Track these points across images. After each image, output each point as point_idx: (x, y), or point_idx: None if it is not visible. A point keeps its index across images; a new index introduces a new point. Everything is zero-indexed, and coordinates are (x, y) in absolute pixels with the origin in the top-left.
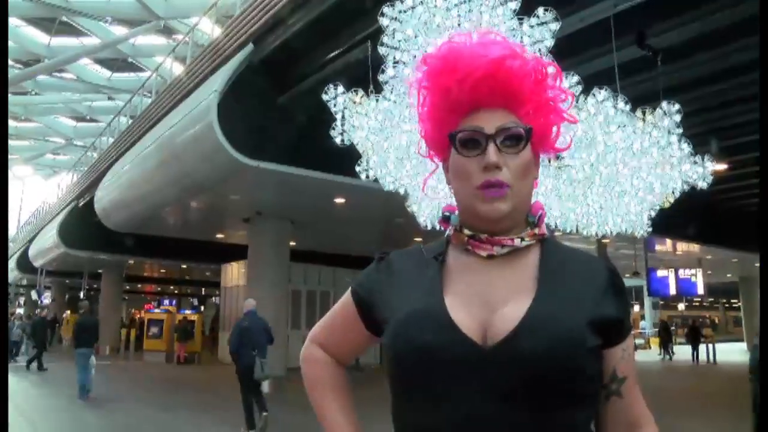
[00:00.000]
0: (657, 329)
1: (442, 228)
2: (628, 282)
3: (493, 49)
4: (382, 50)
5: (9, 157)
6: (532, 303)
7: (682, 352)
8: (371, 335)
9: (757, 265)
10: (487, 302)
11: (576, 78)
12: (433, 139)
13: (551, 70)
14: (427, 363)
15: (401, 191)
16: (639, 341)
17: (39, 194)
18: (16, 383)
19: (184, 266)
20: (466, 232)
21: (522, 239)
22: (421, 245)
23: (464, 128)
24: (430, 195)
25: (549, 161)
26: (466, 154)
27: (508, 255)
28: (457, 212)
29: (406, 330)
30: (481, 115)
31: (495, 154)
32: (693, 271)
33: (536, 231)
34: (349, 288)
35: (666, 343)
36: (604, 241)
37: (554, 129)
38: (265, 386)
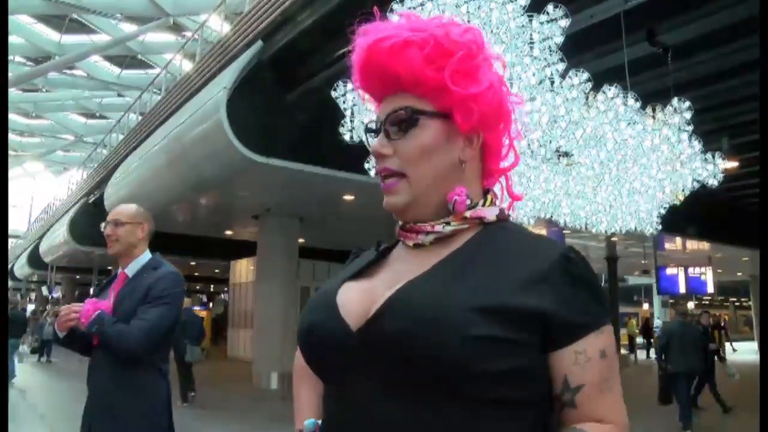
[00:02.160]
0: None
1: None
2: (637, 280)
3: (376, 33)
4: None
5: (20, 154)
6: (404, 284)
7: None
8: None
9: None
10: (383, 288)
11: (586, 75)
12: None
13: (456, 39)
14: (309, 346)
15: None
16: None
17: (50, 191)
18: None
19: (193, 263)
20: (400, 223)
21: (447, 224)
22: (378, 241)
23: (371, 119)
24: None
25: (558, 159)
26: (370, 146)
27: (438, 243)
28: None
29: (303, 313)
30: (383, 103)
31: (379, 142)
32: (703, 269)
33: (467, 215)
34: None
35: None
36: (613, 239)
37: (473, 108)
38: (274, 381)
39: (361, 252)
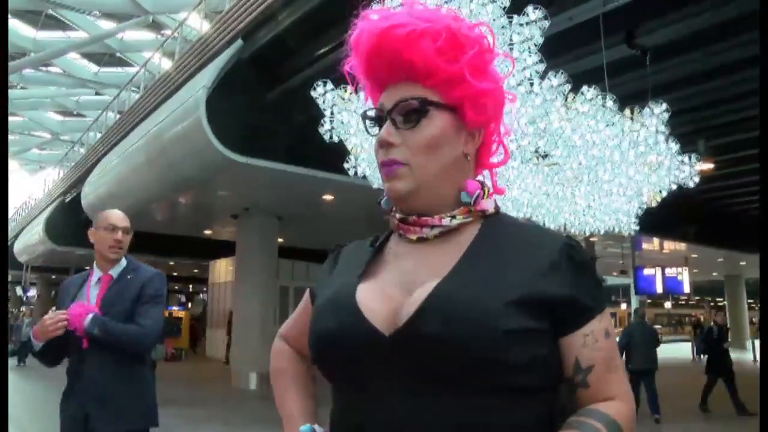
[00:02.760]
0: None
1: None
2: (615, 280)
3: (384, 21)
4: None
5: None
6: (439, 283)
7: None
8: None
9: (743, 263)
10: (403, 287)
11: (564, 76)
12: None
13: (473, 33)
14: (332, 352)
15: None
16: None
17: (25, 189)
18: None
19: (172, 263)
20: (398, 215)
21: (453, 217)
22: (379, 236)
23: (371, 107)
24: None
25: (537, 159)
26: (372, 133)
27: (442, 237)
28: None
29: (316, 317)
30: (388, 90)
31: (386, 131)
32: (679, 269)
33: (471, 208)
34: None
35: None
36: (591, 239)
37: (482, 101)
38: (253, 381)
39: (340, 248)
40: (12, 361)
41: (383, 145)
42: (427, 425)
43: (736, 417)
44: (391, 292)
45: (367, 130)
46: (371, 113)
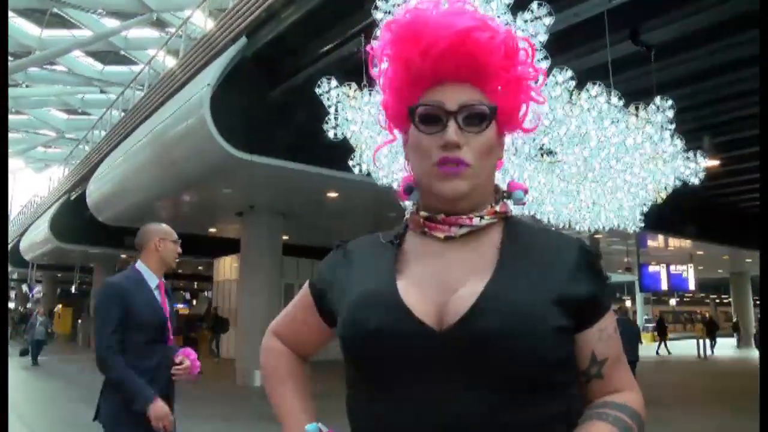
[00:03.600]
0: (654, 324)
1: (402, 201)
2: (620, 277)
3: (461, 19)
4: (375, 44)
5: None
6: (489, 281)
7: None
8: (329, 328)
9: (748, 261)
10: (442, 285)
11: (570, 73)
12: (393, 111)
13: (523, 45)
14: (379, 349)
15: (394, 185)
16: None
17: (30, 187)
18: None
19: (177, 260)
20: (423, 213)
21: (482, 218)
22: (379, 233)
23: (425, 102)
24: (378, 166)
25: (542, 156)
26: (425, 131)
27: (468, 236)
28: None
29: (356, 314)
30: (445, 89)
31: (455, 133)
32: (684, 266)
33: (497, 209)
34: (308, 280)
35: (663, 338)
36: (596, 236)
37: (522, 108)
38: (257, 379)
39: (344, 244)
40: (25, 361)
41: (450, 146)
42: (474, 420)
43: (736, 414)
44: (429, 289)
45: (415, 125)
46: (423, 110)
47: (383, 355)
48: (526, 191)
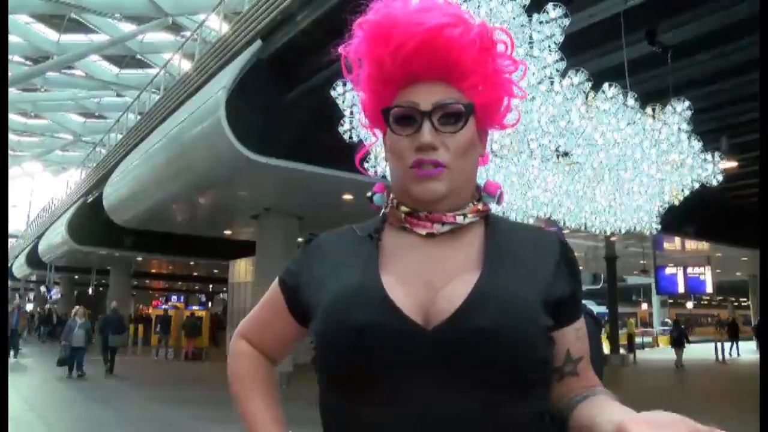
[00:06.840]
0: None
1: (372, 209)
2: (636, 280)
3: (431, 15)
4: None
5: (19, 153)
6: (479, 278)
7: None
8: (300, 327)
9: None
10: (427, 282)
11: (585, 74)
12: (370, 112)
13: (501, 37)
14: (362, 346)
15: None
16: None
17: (48, 190)
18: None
19: (192, 263)
20: (404, 208)
21: (465, 216)
22: (353, 225)
23: (399, 104)
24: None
25: (558, 158)
26: (400, 132)
27: (450, 233)
28: (383, 193)
29: (337, 310)
30: (419, 89)
31: (430, 134)
32: (702, 269)
33: (480, 207)
34: (277, 277)
35: (680, 341)
36: (612, 238)
37: (503, 103)
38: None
39: (316, 237)
40: (60, 372)
41: (425, 148)
42: (464, 418)
43: (736, 413)
44: (413, 286)
45: (389, 127)
46: (401, 112)
47: (367, 353)
48: (494, 193)
